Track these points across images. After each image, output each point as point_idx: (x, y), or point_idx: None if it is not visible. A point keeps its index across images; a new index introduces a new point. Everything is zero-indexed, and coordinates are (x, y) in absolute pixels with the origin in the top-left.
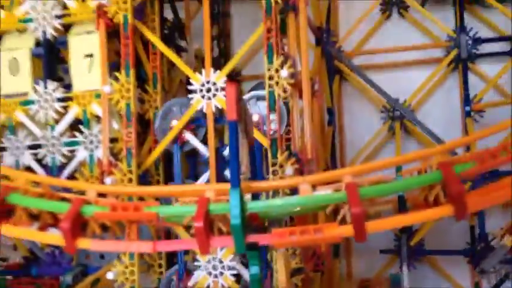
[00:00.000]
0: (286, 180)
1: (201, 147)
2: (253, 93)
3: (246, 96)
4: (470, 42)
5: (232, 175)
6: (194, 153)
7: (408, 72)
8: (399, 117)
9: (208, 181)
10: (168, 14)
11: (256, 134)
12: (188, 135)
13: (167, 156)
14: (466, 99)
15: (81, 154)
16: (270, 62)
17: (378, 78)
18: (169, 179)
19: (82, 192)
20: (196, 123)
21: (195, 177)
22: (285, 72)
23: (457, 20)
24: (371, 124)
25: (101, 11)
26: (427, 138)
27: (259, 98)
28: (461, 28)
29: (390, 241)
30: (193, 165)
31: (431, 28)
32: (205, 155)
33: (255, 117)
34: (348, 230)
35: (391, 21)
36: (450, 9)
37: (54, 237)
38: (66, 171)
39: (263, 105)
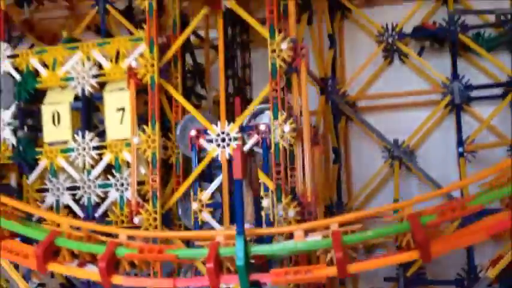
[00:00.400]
0: (283, 228)
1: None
2: (263, 105)
3: (256, 108)
4: (462, 88)
5: (238, 223)
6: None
7: (410, 113)
8: (398, 157)
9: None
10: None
11: (263, 178)
12: (203, 142)
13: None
14: (459, 141)
15: (113, 195)
16: (275, 117)
17: (381, 118)
18: None
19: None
20: None
21: (210, 180)
22: (287, 128)
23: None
24: (375, 162)
25: (131, 72)
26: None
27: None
28: (454, 76)
29: (393, 269)
30: (209, 169)
31: (430, 73)
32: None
33: (262, 127)
34: (333, 271)
35: (393, 67)
36: (448, 55)
37: (92, 273)
38: (100, 210)
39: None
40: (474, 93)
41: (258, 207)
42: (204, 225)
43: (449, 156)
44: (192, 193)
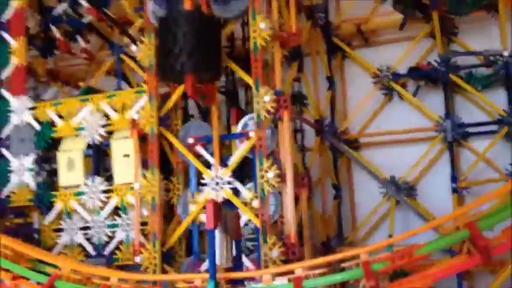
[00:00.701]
0: (254, 272)
1: (210, 159)
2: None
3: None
4: (455, 126)
5: (211, 269)
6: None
7: (409, 149)
8: (394, 194)
9: None
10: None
11: (253, 217)
12: (199, 149)
13: (188, 233)
14: (453, 177)
15: (120, 235)
16: (261, 164)
17: (382, 153)
18: (189, 252)
19: None
20: (206, 139)
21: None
22: (271, 174)
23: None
24: (377, 196)
25: (133, 123)
26: (423, 209)
27: None
28: (446, 114)
29: None
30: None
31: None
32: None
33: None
34: None
35: (393, 103)
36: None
37: None
38: (109, 249)
39: None
40: (471, 129)
41: (238, 250)
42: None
43: (448, 190)
44: None
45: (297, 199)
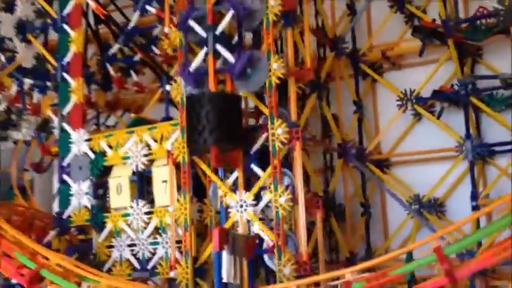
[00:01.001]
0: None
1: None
2: None
3: None
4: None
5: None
6: None
7: (435, 167)
8: (418, 211)
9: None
10: None
11: (272, 237)
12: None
13: None
14: (473, 195)
15: (160, 251)
16: (276, 189)
17: (408, 171)
18: None
19: None
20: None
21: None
22: (283, 199)
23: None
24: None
25: (169, 153)
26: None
27: None
28: (467, 135)
29: None
30: None
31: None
32: None
33: None
34: None
35: (422, 123)
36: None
37: None
38: (151, 264)
39: None
40: (497, 147)
41: (252, 267)
42: None
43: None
44: None
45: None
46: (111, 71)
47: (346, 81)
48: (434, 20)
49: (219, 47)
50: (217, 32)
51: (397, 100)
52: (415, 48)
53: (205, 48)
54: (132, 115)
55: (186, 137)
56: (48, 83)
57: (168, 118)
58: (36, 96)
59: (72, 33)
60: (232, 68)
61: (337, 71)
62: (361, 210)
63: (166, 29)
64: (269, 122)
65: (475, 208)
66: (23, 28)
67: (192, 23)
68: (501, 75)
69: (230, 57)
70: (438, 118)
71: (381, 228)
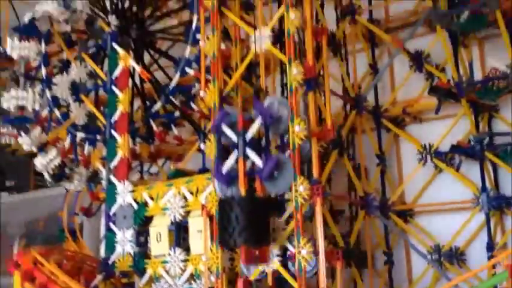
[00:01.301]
0: None
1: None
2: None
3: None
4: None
5: None
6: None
7: (456, 217)
8: (438, 260)
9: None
10: None
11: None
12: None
13: None
14: (488, 246)
15: None
16: (298, 241)
17: (430, 220)
18: None
19: None
20: None
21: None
22: (304, 251)
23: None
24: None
25: (203, 206)
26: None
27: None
28: (483, 188)
29: None
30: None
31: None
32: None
33: None
34: None
35: (443, 174)
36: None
37: None
38: None
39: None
40: None
41: None
42: None
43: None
44: None
45: None
46: (154, 127)
47: (368, 134)
48: (449, 81)
49: (248, 151)
50: (247, 138)
51: (417, 154)
52: (435, 104)
53: (236, 152)
54: (172, 167)
55: (218, 236)
56: (98, 136)
57: (205, 170)
58: (87, 148)
59: (119, 94)
60: (261, 172)
61: (359, 126)
62: (384, 258)
63: (201, 93)
64: (293, 180)
65: (491, 258)
66: (76, 89)
67: (224, 127)
68: None
69: (259, 162)
70: (457, 171)
71: (404, 276)
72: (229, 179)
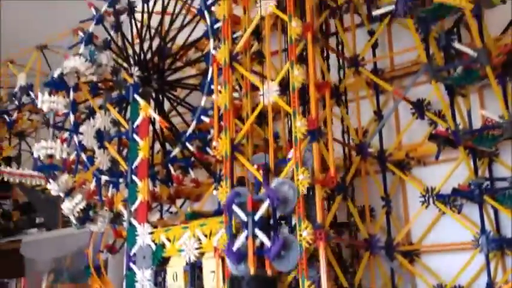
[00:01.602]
0: None
1: None
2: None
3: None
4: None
5: None
6: None
7: (462, 255)
8: None
9: None
10: None
11: None
12: None
13: None
14: (488, 287)
15: None
16: (303, 282)
17: (436, 260)
18: None
19: None
20: None
21: None
22: None
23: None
24: None
25: (215, 248)
26: None
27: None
28: (482, 230)
29: None
30: None
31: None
32: None
33: None
34: None
35: (446, 215)
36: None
37: None
38: None
39: None
40: None
41: None
42: None
43: None
44: None
45: None
46: (172, 171)
47: (373, 177)
48: (447, 129)
49: (257, 231)
50: (256, 218)
51: (420, 197)
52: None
53: (245, 232)
54: (189, 209)
55: None
56: (121, 180)
57: (220, 211)
58: (111, 190)
59: (140, 142)
60: (269, 252)
61: (363, 169)
62: None
63: (214, 143)
64: (297, 224)
65: None
66: (101, 137)
67: (235, 208)
68: (510, 178)
69: (267, 242)
70: (459, 213)
71: None
72: (240, 256)
